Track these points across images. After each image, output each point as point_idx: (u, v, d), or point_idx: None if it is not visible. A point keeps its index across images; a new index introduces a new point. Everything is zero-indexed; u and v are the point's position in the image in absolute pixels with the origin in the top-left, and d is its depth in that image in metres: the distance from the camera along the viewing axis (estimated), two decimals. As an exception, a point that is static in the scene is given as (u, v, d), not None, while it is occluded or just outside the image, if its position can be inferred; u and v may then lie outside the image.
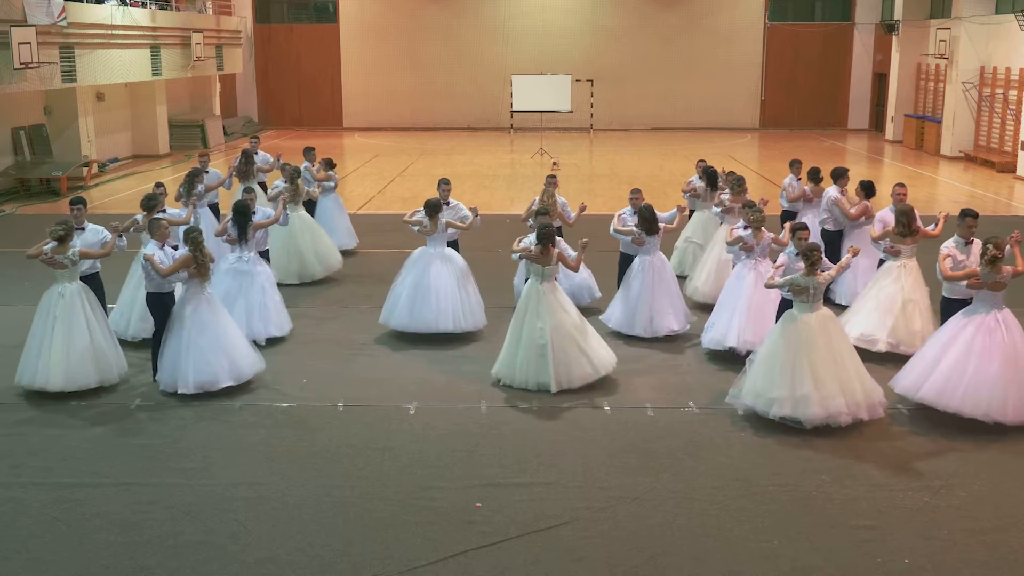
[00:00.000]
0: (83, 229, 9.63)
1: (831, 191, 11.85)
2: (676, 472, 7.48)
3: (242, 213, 10.65)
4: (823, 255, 8.40)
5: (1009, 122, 25.03)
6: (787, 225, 10.30)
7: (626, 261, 10.88)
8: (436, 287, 10.55)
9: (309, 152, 15.18)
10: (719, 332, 9.92)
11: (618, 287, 10.91)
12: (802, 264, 8.36)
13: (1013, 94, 24.78)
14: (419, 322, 10.55)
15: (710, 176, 12.89)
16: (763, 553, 6.32)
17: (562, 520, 6.72)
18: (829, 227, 11.83)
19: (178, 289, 9.24)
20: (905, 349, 9.57)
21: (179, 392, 8.91)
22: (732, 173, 12.56)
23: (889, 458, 7.71)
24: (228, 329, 9.21)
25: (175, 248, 9.40)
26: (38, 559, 6.28)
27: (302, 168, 14.40)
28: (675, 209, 11.03)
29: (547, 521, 6.71)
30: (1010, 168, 24.05)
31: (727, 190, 12.03)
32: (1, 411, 8.74)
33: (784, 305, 8.76)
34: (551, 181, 11.75)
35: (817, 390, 8.04)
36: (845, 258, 8.80)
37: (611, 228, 10.83)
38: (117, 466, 7.61)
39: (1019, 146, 23.84)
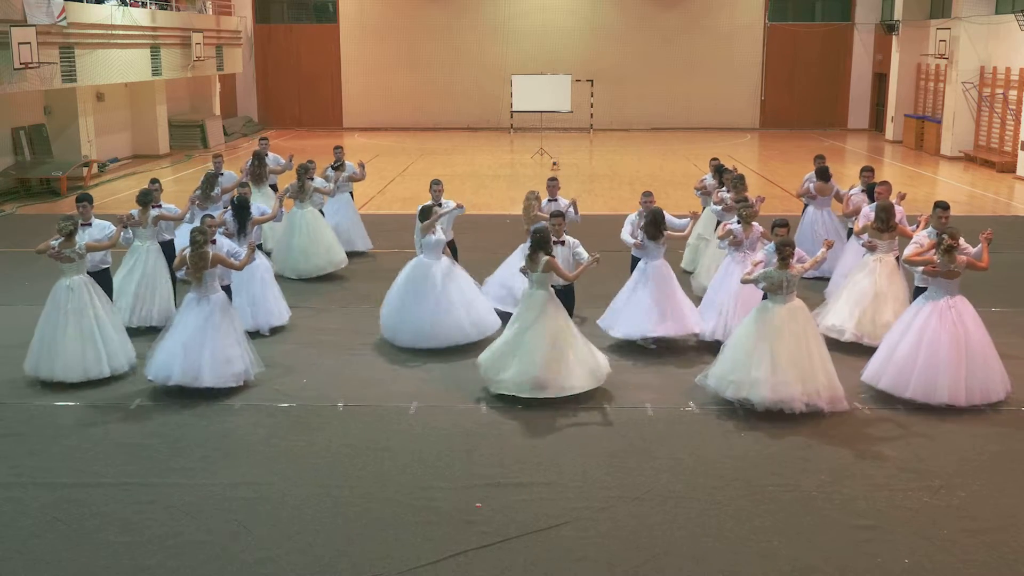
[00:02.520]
0: (89, 225, 10.00)
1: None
2: (676, 472, 7.48)
3: (242, 207, 10.81)
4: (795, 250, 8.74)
5: (1009, 122, 25.03)
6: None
7: (636, 263, 10.76)
8: (455, 297, 10.35)
9: (337, 150, 15.20)
10: (711, 325, 10.17)
11: None
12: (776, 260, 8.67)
13: (1013, 94, 24.77)
14: (440, 337, 10.28)
15: (721, 173, 12.97)
16: (763, 553, 6.32)
17: (562, 520, 6.72)
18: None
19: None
20: (869, 341, 9.90)
21: (155, 383, 9.03)
22: (732, 171, 12.68)
23: (889, 458, 7.71)
24: (218, 333, 8.99)
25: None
26: (38, 559, 6.28)
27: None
28: (688, 217, 10.78)
29: (547, 521, 6.71)
30: (1010, 168, 24.05)
31: (726, 188, 12.13)
32: (1, 411, 8.74)
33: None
34: (552, 185, 11.65)
35: (773, 375, 8.34)
36: (820, 252, 9.16)
37: (622, 234, 10.65)
38: (117, 466, 7.61)
39: (1019, 146, 23.84)
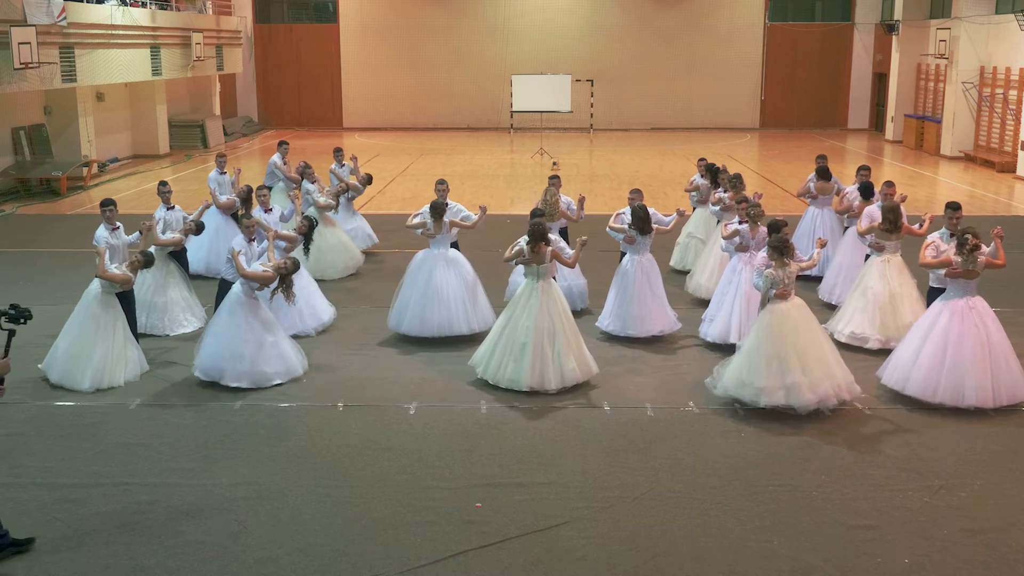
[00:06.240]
0: (117, 228, 10.12)
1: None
2: (676, 472, 7.48)
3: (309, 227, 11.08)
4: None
5: (1009, 122, 25.03)
6: None
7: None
8: (445, 291, 10.50)
9: (338, 153, 15.28)
10: (721, 327, 10.07)
11: None
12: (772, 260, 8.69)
13: (1013, 94, 24.77)
14: (431, 327, 10.49)
15: (712, 173, 12.99)
16: (763, 553, 6.32)
17: (562, 520, 6.72)
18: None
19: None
20: (896, 344, 9.72)
21: (223, 384, 9.10)
22: (725, 170, 12.72)
23: (889, 458, 7.71)
24: (274, 330, 9.46)
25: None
26: (38, 559, 6.28)
27: (330, 169, 15.02)
28: (675, 214, 10.93)
29: (547, 521, 6.71)
30: (1010, 168, 24.05)
31: (722, 188, 12.17)
32: (1, 411, 8.73)
33: None
34: (553, 182, 11.75)
35: (806, 376, 8.33)
36: (815, 252, 9.29)
37: (607, 226, 10.83)
38: (117, 466, 7.61)
39: (1019, 146, 23.84)
